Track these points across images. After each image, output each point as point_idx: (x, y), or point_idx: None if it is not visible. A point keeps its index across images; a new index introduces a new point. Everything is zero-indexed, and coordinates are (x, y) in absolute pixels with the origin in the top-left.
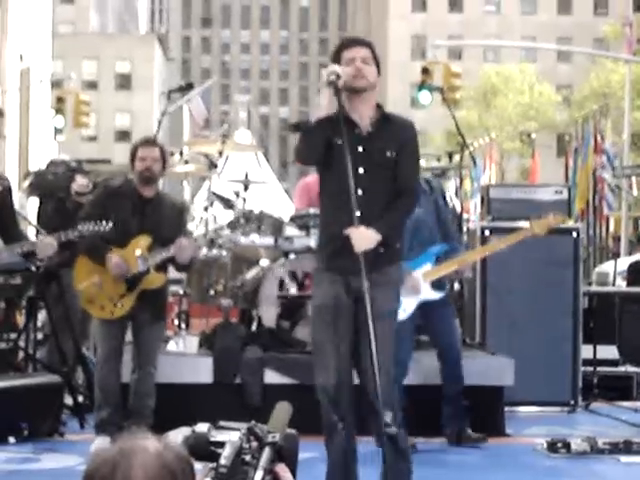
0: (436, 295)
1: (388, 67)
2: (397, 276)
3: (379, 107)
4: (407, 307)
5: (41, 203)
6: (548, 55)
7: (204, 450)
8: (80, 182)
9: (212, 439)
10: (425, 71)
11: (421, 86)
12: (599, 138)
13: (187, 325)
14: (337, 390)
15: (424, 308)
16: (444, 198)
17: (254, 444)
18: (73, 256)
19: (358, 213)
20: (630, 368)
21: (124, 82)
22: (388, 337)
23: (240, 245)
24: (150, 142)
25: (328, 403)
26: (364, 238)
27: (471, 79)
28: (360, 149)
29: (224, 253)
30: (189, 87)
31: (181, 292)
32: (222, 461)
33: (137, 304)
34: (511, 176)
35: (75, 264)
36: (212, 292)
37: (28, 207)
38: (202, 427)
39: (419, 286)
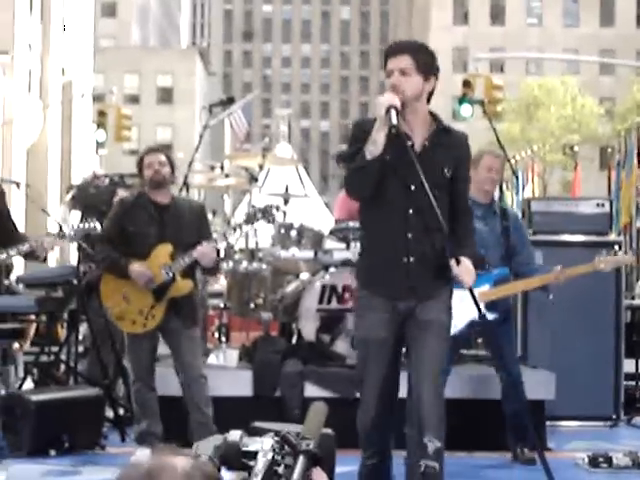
0: (490, 316)
1: None
2: (448, 294)
3: (435, 118)
4: (457, 323)
5: (83, 216)
6: (590, 67)
7: (236, 460)
8: (122, 195)
9: (244, 448)
10: (466, 84)
11: (462, 99)
12: None
13: (227, 338)
14: (373, 427)
15: (485, 325)
16: (520, 228)
17: (287, 453)
18: None
19: (410, 235)
20: None
21: (165, 96)
22: (443, 347)
23: (280, 259)
24: (153, 149)
25: (364, 438)
26: (469, 272)
27: (513, 92)
28: (414, 166)
29: (264, 266)
30: (230, 101)
31: (221, 305)
32: (253, 479)
33: (168, 314)
34: (553, 189)
35: (101, 283)
36: (252, 305)
37: (70, 220)
38: (234, 435)
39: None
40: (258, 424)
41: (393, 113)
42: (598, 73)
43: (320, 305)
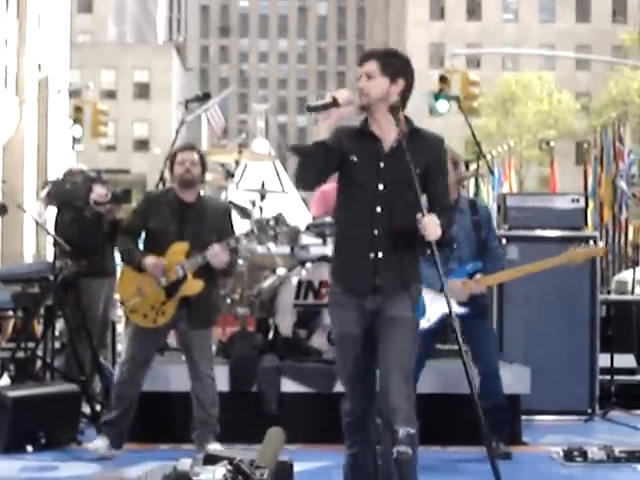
0: (460, 310)
1: None
2: (417, 292)
3: (408, 121)
4: (431, 317)
5: (59, 212)
6: (567, 63)
7: None
8: (98, 192)
9: (195, 478)
10: (443, 79)
11: (438, 94)
12: (619, 146)
13: None
14: (353, 418)
15: (462, 320)
16: (489, 221)
17: None
18: (92, 265)
19: (376, 231)
20: None
21: (142, 91)
22: (409, 342)
23: (256, 254)
24: (189, 147)
25: (345, 428)
26: (434, 226)
27: (489, 87)
28: (381, 165)
29: (241, 262)
30: (206, 97)
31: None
32: None
33: (179, 312)
34: (530, 184)
35: (119, 275)
36: (229, 301)
37: (45, 216)
38: (184, 464)
39: (461, 292)
40: (213, 451)
41: (330, 99)
42: (574, 68)
43: (297, 300)
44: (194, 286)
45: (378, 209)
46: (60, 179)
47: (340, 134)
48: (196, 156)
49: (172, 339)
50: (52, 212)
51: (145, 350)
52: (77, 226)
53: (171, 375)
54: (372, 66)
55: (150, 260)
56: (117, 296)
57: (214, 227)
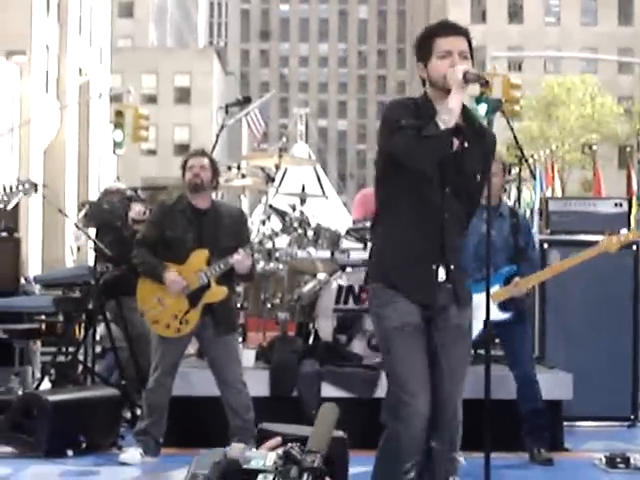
0: (503, 316)
1: None
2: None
3: (467, 112)
4: (476, 327)
5: (98, 233)
6: (609, 66)
7: (236, 478)
8: (136, 210)
9: (245, 466)
10: (484, 83)
11: (479, 98)
12: None
13: (244, 338)
14: (423, 429)
15: (500, 325)
16: (528, 228)
17: (291, 469)
18: (132, 270)
19: (444, 239)
20: None
21: (183, 96)
22: (468, 359)
23: (297, 258)
24: (199, 152)
25: (407, 446)
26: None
27: (531, 91)
28: (450, 167)
29: (281, 266)
30: (247, 101)
31: (238, 305)
32: None
33: (203, 319)
34: (572, 188)
35: (138, 286)
36: (269, 305)
37: (83, 238)
38: (235, 451)
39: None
40: (266, 426)
41: (475, 76)
42: (617, 72)
43: (337, 305)
44: (218, 292)
45: (446, 215)
46: (97, 199)
47: (411, 108)
48: (206, 161)
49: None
50: (91, 233)
51: (171, 358)
52: (117, 246)
53: (203, 379)
54: (464, 44)
55: (171, 276)
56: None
57: (231, 233)
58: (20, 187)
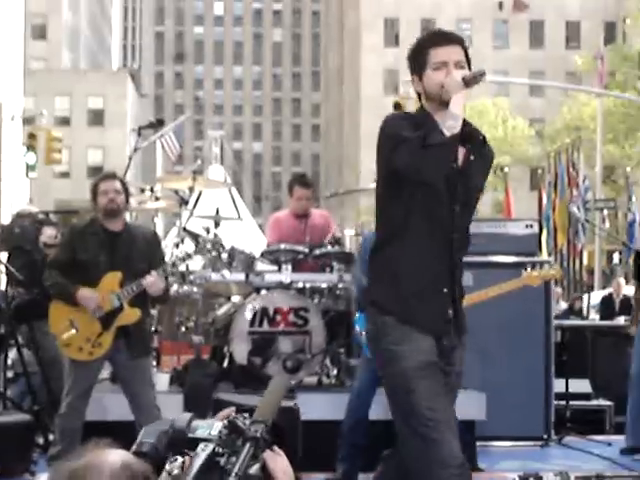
0: None
1: (361, 101)
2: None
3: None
4: None
5: (9, 257)
6: (521, 89)
7: (182, 448)
8: (48, 234)
9: (191, 435)
10: (397, 106)
11: None
12: (572, 171)
13: (158, 362)
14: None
15: None
16: None
17: (235, 440)
18: (43, 294)
19: (452, 262)
20: (602, 402)
21: (96, 118)
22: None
23: (211, 281)
24: (110, 176)
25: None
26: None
27: None
28: (458, 183)
29: (195, 289)
30: (160, 123)
31: (152, 329)
32: (186, 477)
33: (116, 343)
34: (485, 210)
35: (50, 309)
36: (183, 329)
37: None
38: (182, 421)
39: None
40: (222, 396)
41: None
42: (528, 95)
43: (251, 328)
44: (131, 315)
45: (455, 235)
46: (9, 223)
47: (410, 119)
48: (118, 184)
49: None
50: (3, 257)
51: (84, 382)
52: (28, 269)
53: (117, 404)
54: (460, 53)
55: (85, 293)
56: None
57: (144, 255)
58: None
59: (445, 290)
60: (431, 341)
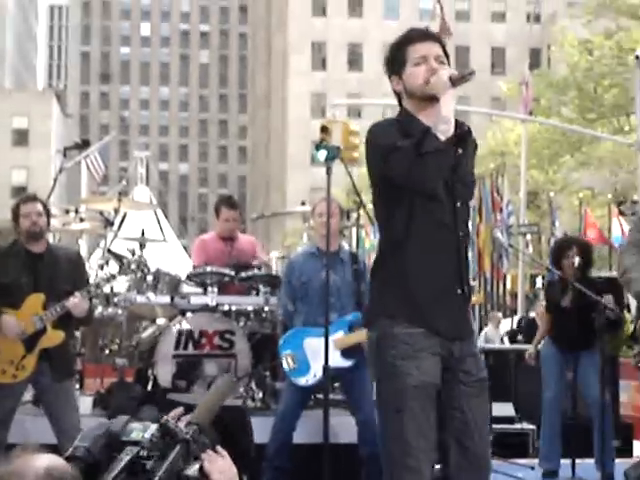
0: (345, 363)
1: (289, 124)
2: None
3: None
4: (317, 372)
5: None
6: None
7: (117, 451)
8: None
9: (124, 438)
10: (324, 129)
11: (319, 144)
12: (497, 196)
13: (81, 385)
14: None
15: (341, 371)
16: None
17: (169, 443)
18: None
19: (461, 262)
20: (526, 425)
21: (21, 138)
22: (486, 418)
23: (136, 303)
24: (31, 198)
25: None
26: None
27: None
28: (455, 178)
29: (119, 312)
30: (86, 144)
31: (76, 351)
32: (105, 475)
33: (39, 365)
34: None
35: None
36: (107, 351)
37: None
38: (118, 424)
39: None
40: (173, 396)
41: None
42: None
43: (176, 351)
44: (54, 337)
45: (461, 233)
46: None
47: (399, 126)
48: (40, 206)
49: None
50: None
51: (7, 405)
52: None
53: (39, 427)
54: (439, 49)
55: (7, 319)
56: None
57: (68, 276)
58: None
59: (459, 292)
60: (438, 363)
